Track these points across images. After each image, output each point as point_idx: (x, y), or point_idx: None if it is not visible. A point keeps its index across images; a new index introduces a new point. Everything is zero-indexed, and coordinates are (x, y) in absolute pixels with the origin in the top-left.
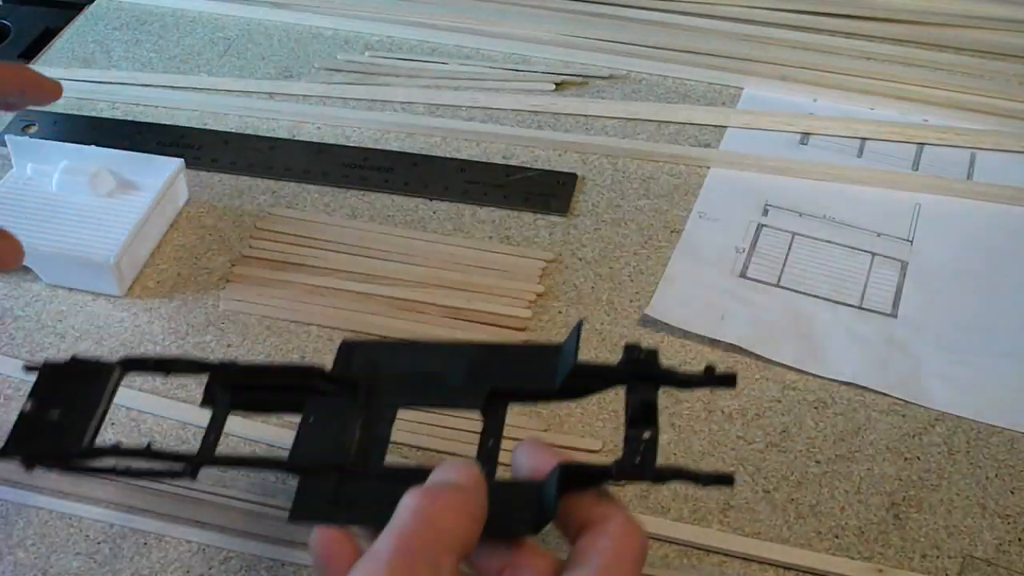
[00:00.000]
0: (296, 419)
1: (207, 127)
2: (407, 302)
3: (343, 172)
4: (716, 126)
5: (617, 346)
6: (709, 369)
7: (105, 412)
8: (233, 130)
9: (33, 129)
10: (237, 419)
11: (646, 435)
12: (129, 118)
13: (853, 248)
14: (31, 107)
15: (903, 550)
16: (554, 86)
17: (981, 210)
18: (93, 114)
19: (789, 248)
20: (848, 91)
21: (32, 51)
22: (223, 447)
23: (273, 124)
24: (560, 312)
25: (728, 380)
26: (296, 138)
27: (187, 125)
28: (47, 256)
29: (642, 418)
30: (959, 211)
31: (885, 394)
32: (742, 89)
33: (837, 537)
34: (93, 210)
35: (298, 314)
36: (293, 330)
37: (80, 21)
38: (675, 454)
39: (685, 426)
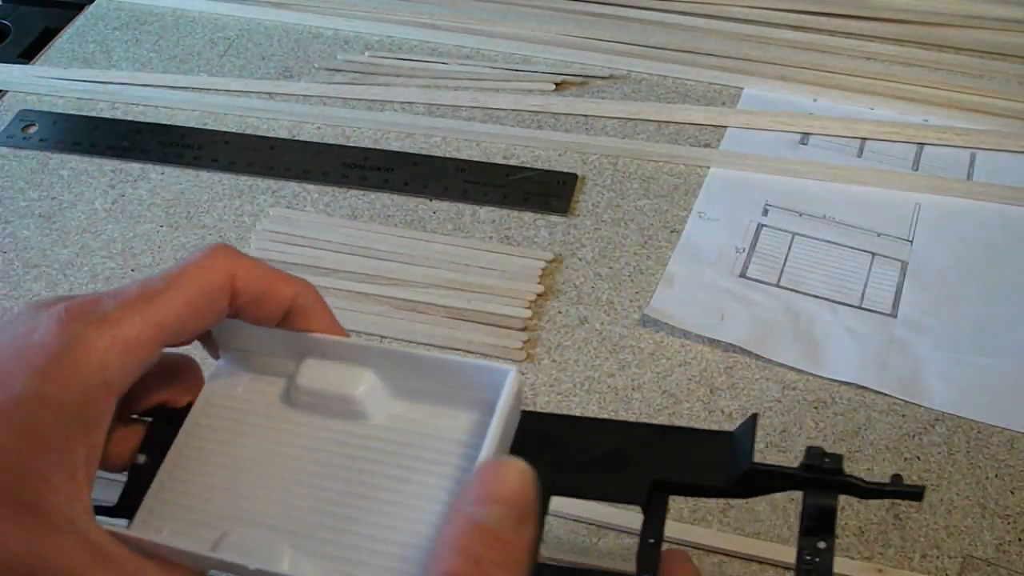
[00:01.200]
0: None
1: (207, 127)
2: (407, 302)
3: (343, 172)
4: (716, 126)
5: (618, 346)
6: (896, 477)
7: None
8: (233, 130)
9: (33, 129)
10: None
11: (821, 544)
12: (129, 118)
13: (853, 248)
14: (33, 110)
15: (903, 550)
16: (554, 86)
17: (981, 210)
18: (93, 114)
19: (789, 248)
20: (848, 91)
21: (32, 51)
22: None
23: (273, 124)
24: (560, 312)
25: (916, 494)
26: (296, 138)
27: (187, 125)
28: None
29: (818, 527)
30: (959, 211)
31: (885, 394)
32: (742, 89)
33: (837, 537)
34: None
35: None
36: None
37: (80, 21)
38: None
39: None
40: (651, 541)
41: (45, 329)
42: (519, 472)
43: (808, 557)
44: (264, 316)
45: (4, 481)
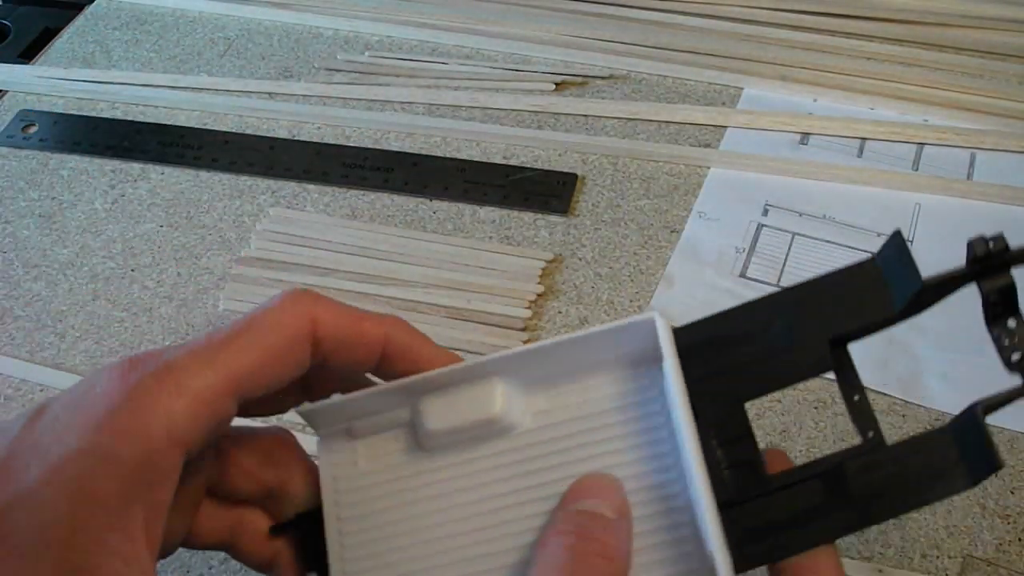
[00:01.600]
0: None
1: (207, 127)
2: (407, 302)
3: (343, 172)
4: (716, 126)
5: None
6: None
7: None
8: (233, 130)
9: (33, 129)
10: None
11: (1011, 323)
12: (129, 118)
13: (853, 248)
14: (33, 109)
15: (903, 550)
16: (554, 86)
17: (981, 210)
18: (93, 114)
19: (789, 248)
20: (848, 91)
21: (32, 51)
22: None
23: (273, 124)
24: (560, 312)
25: None
26: (296, 138)
27: (187, 125)
28: None
29: (1003, 310)
30: (959, 211)
31: (885, 394)
32: (742, 89)
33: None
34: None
35: None
36: None
37: (80, 21)
38: None
39: None
40: (856, 398)
41: (106, 380)
42: (608, 477)
43: (1006, 342)
44: (355, 362)
45: (56, 545)
